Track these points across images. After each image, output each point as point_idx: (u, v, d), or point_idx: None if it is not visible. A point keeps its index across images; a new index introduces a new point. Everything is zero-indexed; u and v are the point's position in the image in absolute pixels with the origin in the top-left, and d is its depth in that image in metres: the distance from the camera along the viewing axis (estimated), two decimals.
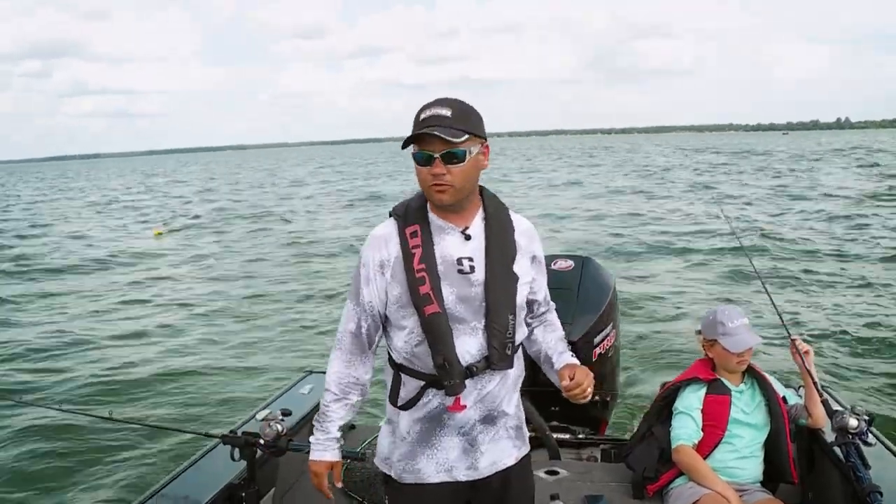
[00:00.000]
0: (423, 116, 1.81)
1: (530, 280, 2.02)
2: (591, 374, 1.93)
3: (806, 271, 11.77)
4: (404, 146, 1.84)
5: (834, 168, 37.22)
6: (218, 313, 10.48)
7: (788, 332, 2.95)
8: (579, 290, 3.83)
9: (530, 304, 2.08)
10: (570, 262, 3.95)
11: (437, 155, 1.80)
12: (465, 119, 1.82)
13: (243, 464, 2.68)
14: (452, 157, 1.80)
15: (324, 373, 3.98)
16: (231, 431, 2.79)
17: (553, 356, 2.08)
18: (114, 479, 5.20)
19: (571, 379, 1.90)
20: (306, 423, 3.39)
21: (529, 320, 2.12)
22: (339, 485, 2.10)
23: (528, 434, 2.15)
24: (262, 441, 2.62)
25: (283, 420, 2.70)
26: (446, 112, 1.80)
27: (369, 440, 3.43)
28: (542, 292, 2.12)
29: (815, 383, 2.80)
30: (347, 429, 2.95)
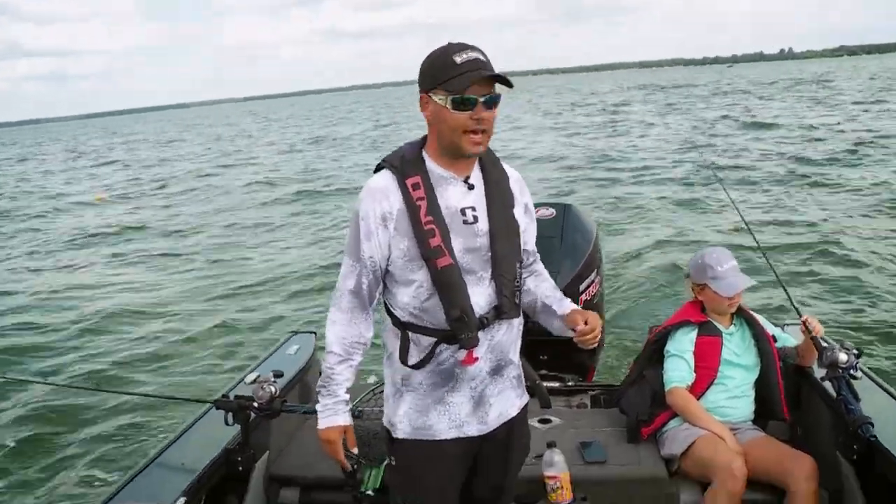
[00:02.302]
0: (460, 60, 1.72)
1: (523, 230, 1.99)
2: (600, 318, 1.91)
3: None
4: (452, 92, 1.72)
5: None
6: (193, 277, 10.28)
7: (799, 313, 2.94)
8: (562, 238, 3.80)
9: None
10: (552, 210, 3.91)
11: (482, 99, 1.74)
12: (490, 61, 1.77)
13: (236, 428, 2.65)
14: (493, 102, 1.76)
15: (310, 332, 3.96)
16: (223, 396, 2.76)
17: (553, 304, 2.04)
18: (105, 450, 5.14)
19: (586, 323, 1.87)
20: (296, 384, 3.37)
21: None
22: (355, 450, 2.00)
23: (525, 382, 2.13)
24: (255, 404, 2.60)
25: (275, 382, 2.67)
26: (480, 55, 1.74)
27: (361, 396, 3.41)
28: (532, 242, 2.09)
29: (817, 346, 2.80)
30: None
